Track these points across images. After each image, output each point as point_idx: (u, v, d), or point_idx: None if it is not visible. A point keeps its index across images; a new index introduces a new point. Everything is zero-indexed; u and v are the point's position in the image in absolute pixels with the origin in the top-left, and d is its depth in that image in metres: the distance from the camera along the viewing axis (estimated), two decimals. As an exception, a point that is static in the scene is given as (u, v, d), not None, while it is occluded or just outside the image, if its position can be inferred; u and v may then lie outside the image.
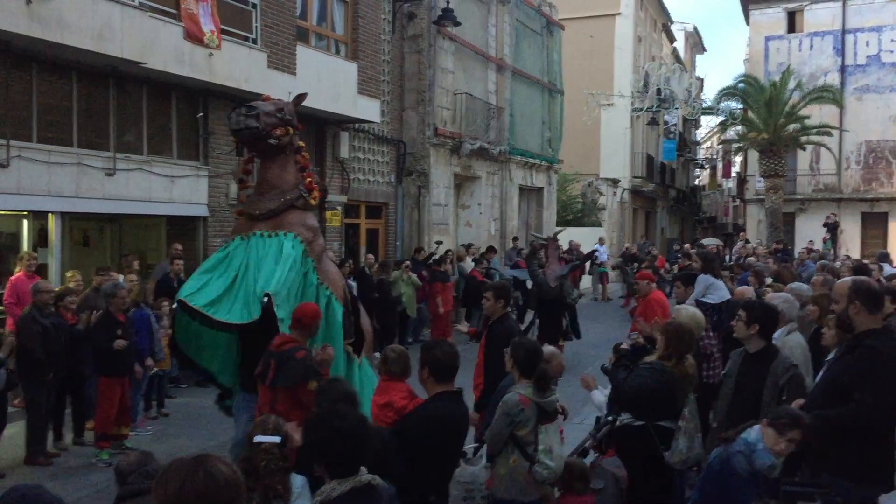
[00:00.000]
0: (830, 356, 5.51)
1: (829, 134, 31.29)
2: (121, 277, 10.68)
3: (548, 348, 5.52)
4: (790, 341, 5.63)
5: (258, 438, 3.36)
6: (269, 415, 3.84)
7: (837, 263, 15.22)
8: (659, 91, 36.29)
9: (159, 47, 11.14)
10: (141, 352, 9.39)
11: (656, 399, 4.92)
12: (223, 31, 12.19)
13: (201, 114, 12.86)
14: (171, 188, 12.39)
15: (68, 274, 10.02)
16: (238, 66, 12.54)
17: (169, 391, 11.09)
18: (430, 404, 4.45)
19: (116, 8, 10.40)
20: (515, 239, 22.89)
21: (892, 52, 34.84)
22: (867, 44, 35.21)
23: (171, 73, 11.52)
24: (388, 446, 3.72)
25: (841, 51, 35.49)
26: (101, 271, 10.33)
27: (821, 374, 5.19)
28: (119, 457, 8.33)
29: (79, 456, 8.70)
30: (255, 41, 13.16)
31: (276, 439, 3.31)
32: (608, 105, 34.08)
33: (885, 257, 15.87)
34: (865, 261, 15.13)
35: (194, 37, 11.62)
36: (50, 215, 10.81)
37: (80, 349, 8.73)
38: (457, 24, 18.48)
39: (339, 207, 15.85)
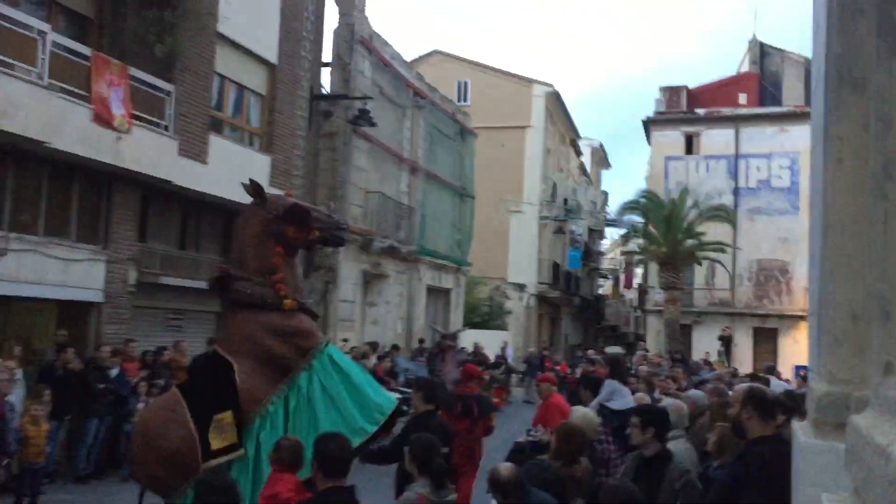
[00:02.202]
0: (714, 463, 5.61)
1: (723, 251, 32.83)
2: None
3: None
4: (676, 447, 5.70)
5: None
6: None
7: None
8: (566, 201, 37.59)
9: (66, 128, 10.93)
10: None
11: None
12: (134, 116, 12.08)
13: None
14: (65, 272, 11.91)
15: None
16: (147, 152, 12.39)
17: (44, 488, 10.31)
18: (317, 500, 4.28)
19: (23, 86, 10.21)
20: (422, 341, 22.82)
21: (780, 177, 37.18)
22: (758, 169, 37.52)
23: (75, 154, 11.27)
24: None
25: (734, 174, 37.68)
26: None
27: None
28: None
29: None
30: (167, 128, 13.06)
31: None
32: (517, 211, 35.03)
33: (772, 370, 16.45)
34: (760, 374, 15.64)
35: (104, 120, 11.47)
36: (-70, 294, 10.23)
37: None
38: (372, 124, 18.86)
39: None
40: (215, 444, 5.79)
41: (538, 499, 4.70)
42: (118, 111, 11.72)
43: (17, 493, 9.52)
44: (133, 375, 12.07)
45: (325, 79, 19.62)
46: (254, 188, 6.57)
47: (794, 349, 34.05)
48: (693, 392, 9.00)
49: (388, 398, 6.13)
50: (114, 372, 11.78)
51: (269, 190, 15.53)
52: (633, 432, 5.36)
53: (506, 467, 4.83)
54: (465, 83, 36.23)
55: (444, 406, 9.25)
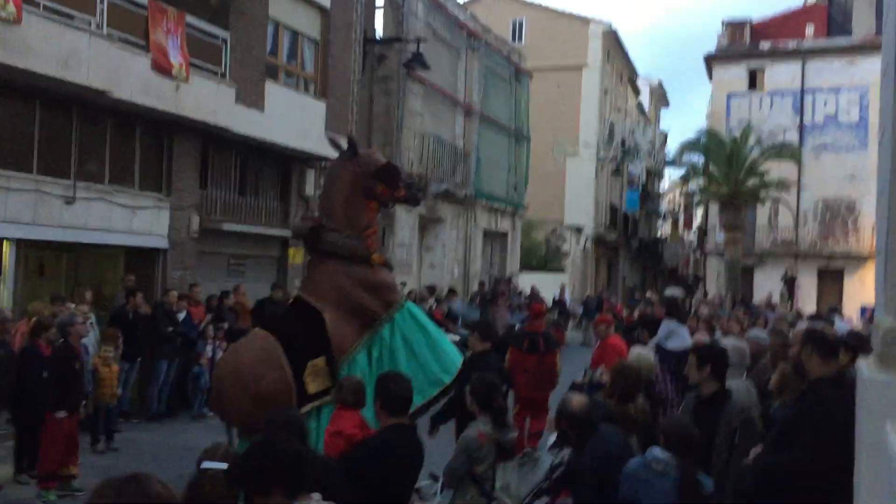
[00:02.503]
0: (776, 403, 5.58)
1: (788, 190, 32.00)
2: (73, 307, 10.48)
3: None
4: (735, 386, 5.66)
5: (205, 465, 3.29)
6: (220, 442, 3.77)
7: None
8: (623, 142, 36.95)
9: (126, 77, 11.10)
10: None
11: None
12: (192, 65, 12.20)
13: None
14: (131, 219, 12.24)
15: (32, 306, 9.80)
16: (206, 100, 12.53)
17: (117, 426, 10.78)
18: (380, 436, 4.41)
19: (84, 36, 10.38)
20: (482, 284, 22.94)
21: (848, 112, 35.88)
22: (825, 104, 36.25)
23: (136, 103, 11.47)
24: (333, 477, 3.66)
25: (800, 110, 36.49)
26: (56, 301, 10.12)
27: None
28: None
29: (23, 491, 8.37)
30: (224, 75, 13.18)
31: (223, 466, 3.24)
32: (574, 153, 34.59)
33: (836, 311, 16.12)
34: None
35: (162, 68, 11.61)
36: (5, 242, 10.61)
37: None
38: (426, 67, 18.70)
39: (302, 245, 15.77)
40: (311, 388, 5.97)
41: (605, 432, 4.75)
42: (176, 59, 11.84)
43: (93, 431, 9.96)
44: (199, 319, 12.43)
45: (379, 22, 19.48)
46: (349, 143, 6.71)
47: (861, 290, 33.23)
48: (755, 332, 8.91)
49: (459, 354, 6.48)
50: (181, 316, 12.14)
51: (326, 135, 15.67)
52: (690, 371, 5.34)
53: (577, 399, 4.88)
54: (520, 23, 35.58)
55: (511, 342, 9.69)
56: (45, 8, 10.02)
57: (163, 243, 12.85)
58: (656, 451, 4.36)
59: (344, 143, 6.71)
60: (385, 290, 6.59)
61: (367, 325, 6.40)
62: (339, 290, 6.43)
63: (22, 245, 10.85)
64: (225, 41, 13.29)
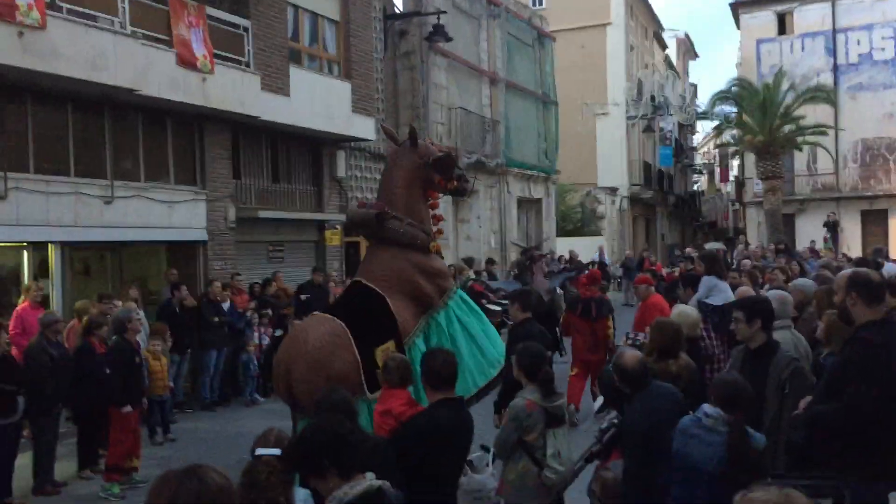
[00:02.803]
0: (824, 351, 5.51)
1: (825, 133, 31.36)
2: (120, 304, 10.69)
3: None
4: (782, 337, 5.59)
5: (259, 451, 3.36)
6: (272, 428, 3.84)
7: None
8: (653, 98, 36.41)
9: (153, 74, 11.20)
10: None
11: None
12: (216, 56, 12.27)
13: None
14: (169, 214, 12.42)
15: (78, 305, 10.02)
16: (232, 90, 12.61)
17: (173, 416, 11.03)
18: (429, 412, 4.46)
19: (109, 36, 10.47)
20: (524, 252, 22.91)
21: (883, 49, 34.97)
22: (858, 42, 35.34)
23: (165, 98, 11.58)
24: (385, 456, 3.73)
25: (833, 50, 35.62)
26: (103, 299, 10.34)
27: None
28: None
29: (86, 486, 8.63)
30: (247, 64, 13.23)
31: (277, 452, 3.31)
32: (603, 114, 34.21)
33: (881, 253, 15.81)
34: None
35: (187, 62, 11.69)
36: (50, 245, 10.84)
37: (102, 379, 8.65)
38: (448, 39, 18.58)
39: (338, 226, 15.89)
40: None
41: (655, 388, 4.75)
42: (200, 52, 11.91)
43: (149, 423, 10.19)
44: (243, 307, 12.61)
45: (397, -3, 19.38)
46: (410, 134, 6.94)
47: (907, 230, 32.59)
48: (801, 281, 8.79)
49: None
50: (226, 305, 12.33)
51: (353, 116, 15.72)
52: (739, 327, 5.21)
53: (630, 354, 4.87)
54: (540, -15, 35.11)
55: (566, 306, 9.85)
56: (69, 11, 10.11)
57: (202, 235, 13.02)
58: (706, 408, 4.35)
59: (398, 134, 6.94)
60: (441, 277, 6.88)
61: (423, 311, 6.62)
62: (399, 276, 6.62)
63: (66, 247, 11.07)
64: (246, 29, 13.32)
